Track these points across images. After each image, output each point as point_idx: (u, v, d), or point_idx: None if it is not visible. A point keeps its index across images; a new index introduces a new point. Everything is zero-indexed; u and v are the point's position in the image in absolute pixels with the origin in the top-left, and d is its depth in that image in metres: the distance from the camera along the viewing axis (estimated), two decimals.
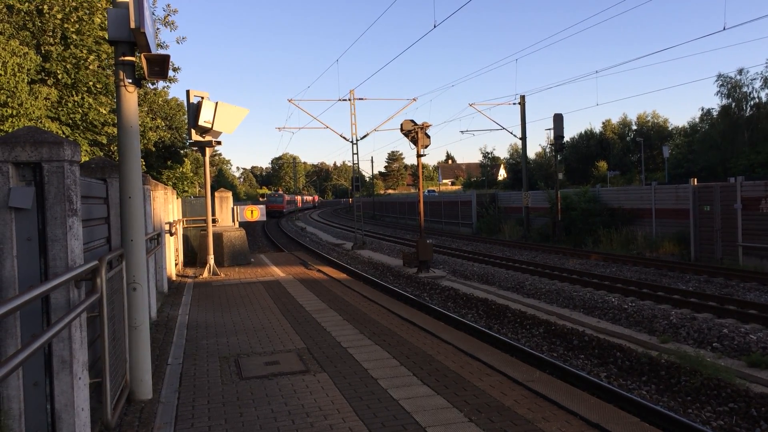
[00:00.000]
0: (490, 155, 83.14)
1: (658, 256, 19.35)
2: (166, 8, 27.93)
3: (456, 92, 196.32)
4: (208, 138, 13.48)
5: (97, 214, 5.66)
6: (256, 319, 8.89)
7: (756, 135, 41.56)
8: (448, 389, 5.35)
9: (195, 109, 13.06)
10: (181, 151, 25.41)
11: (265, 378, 5.86)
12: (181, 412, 4.97)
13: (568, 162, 57.83)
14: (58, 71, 14.19)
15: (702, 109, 64.35)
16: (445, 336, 7.76)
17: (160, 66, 5.29)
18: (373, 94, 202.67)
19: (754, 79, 43.94)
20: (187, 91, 13.22)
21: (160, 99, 23.40)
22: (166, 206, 11.90)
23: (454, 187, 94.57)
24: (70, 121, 14.55)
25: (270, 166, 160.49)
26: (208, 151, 13.81)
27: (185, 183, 27.20)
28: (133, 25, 4.88)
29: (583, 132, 64.35)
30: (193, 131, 13.32)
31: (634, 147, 58.14)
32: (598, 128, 63.40)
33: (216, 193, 17.67)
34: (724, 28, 26.14)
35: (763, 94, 43.85)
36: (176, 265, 14.81)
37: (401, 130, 17.34)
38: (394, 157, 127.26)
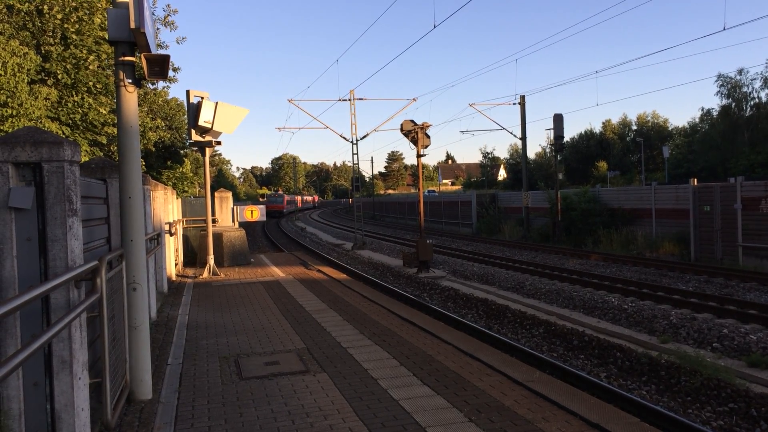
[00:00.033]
0: (490, 155, 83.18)
1: (658, 257, 19.35)
2: (166, 8, 27.96)
3: (456, 92, 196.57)
4: (208, 138, 13.48)
5: (97, 214, 5.66)
6: (256, 319, 8.89)
7: (756, 135, 41.56)
8: (448, 389, 5.35)
9: (195, 109, 13.06)
10: (181, 151, 25.41)
11: (265, 378, 5.86)
12: (181, 413, 4.97)
13: (568, 162, 57.84)
14: (58, 71, 14.19)
15: (702, 109, 64.42)
16: (445, 336, 7.76)
17: (160, 66, 5.29)
18: (373, 94, 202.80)
19: (754, 79, 44.03)
20: (187, 91, 13.23)
21: (160, 99, 23.41)
22: (166, 206, 11.90)
23: (454, 188, 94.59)
24: (70, 121, 14.55)
25: (270, 166, 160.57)
26: (208, 151, 13.81)
27: (185, 183, 27.20)
28: (133, 25, 4.88)
29: (583, 132, 64.44)
30: (193, 131, 13.32)
31: (634, 147, 58.16)
32: (598, 128, 63.50)
33: (216, 194, 17.68)
34: (724, 28, 26.17)
35: (763, 94, 43.93)
36: (176, 265, 14.81)
37: (401, 130, 17.34)
38: (394, 158, 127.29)
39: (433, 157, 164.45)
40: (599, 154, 58.65)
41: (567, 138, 44.74)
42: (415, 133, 17.03)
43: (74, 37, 14.36)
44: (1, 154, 3.69)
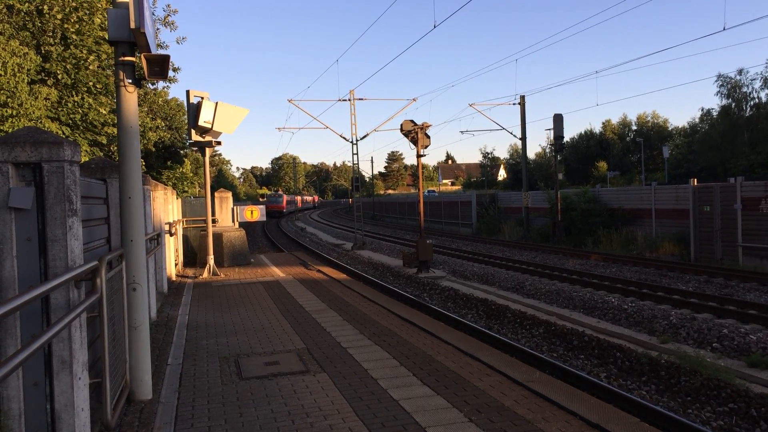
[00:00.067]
0: (490, 155, 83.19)
1: (658, 257, 19.35)
2: (166, 8, 27.93)
3: (456, 92, 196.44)
4: (208, 138, 13.48)
5: (97, 214, 5.66)
6: (256, 319, 8.89)
7: (756, 135, 41.55)
8: (448, 389, 5.35)
9: (195, 110, 13.07)
10: (181, 152, 25.41)
11: (265, 378, 5.86)
12: (181, 413, 4.97)
13: (568, 162, 57.84)
14: (58, 71, 14.19)
15: (702, 110, 64.36)
16: (445, 336, 7.76)
17: (160, 66, 5.30)
18: (373, 94, 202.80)
19: (754, 79, 44.01)
20: (187, 92, 13.23)
21: (160, 99, 23.40)
22: (165, 206, 11.90)
23: (454, 188, 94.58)
24: (70, 122, 14.55)
25: (270, 166, 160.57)
26: (208, 151, 13.81)
27: (185, 183, 27.20)
28: (133, 25, 4.88)
29: (583, 132, 64.40)
30: (193, 131, 13.33)
31: (634, 147, 58.15)
32: (598, 128, 63.47)
33: (216, 194, 17.68)
34: (724, 29, 26.20)
35: (763, 95, 43.92)
36: (176, 265, 14.82)
37: (401, 130, 17.34)
38: (394, 158, 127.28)
39: (433, 157, 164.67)
40: (599, 154, 58.65)
41: (567, 138, 44.74)
42: (415, 133, 17.03)
43: (74, 37, 14.35)
44: (1, 154, 3.69)
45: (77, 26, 14.40)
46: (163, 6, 39.92)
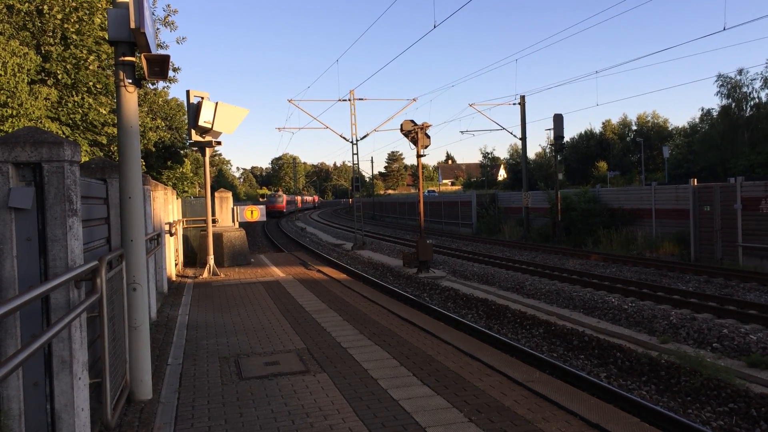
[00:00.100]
0: (490, 155, 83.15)
1: (658, 257, 19.35)
2: (166, 8, 27.94)
3: (456, 92, 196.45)
4: (208, 138, 13.48)
5: (97, 214, 5.66)
6: (256, 319, 8.89)
7: (756, 135, 41.54)
8: (448, 389, 5.35)
9: (195, 110, 13.07)
10: (181, 152, 25.41)
11: (265, 378, 5.86)
12: (181, 413, 4.97)
13: (568, 162, 57.83)
14: (58, 71, 14.19)
15: (702, 110, 64.33)
16: (445, 336, 7.76)
17: (160, 66, 5.30)
18: (373, 94, 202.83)
19: (754, 79, 43.99)
20: (187, 92, 13.23)
21: (160, 99, 23.40)
22: (166, 206, 11.90)
23: (454, 188, 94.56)
24: (70, 122, 14.55)
25: (270, 166, 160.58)
26: (208, 151, 13.81)
27: (185, 183, 27.20)
28: (133, 25, 4.88)
29: (583, 132, 64.40)
30: (193, 131, 13.33)
31: (634, 147, 58.14)
32: (598, 128, 63.44)
33: (216, 194, 17.68)
34: (724, 29, 26.20)
35: (763, 95, 43.88)
36: (176, 265, 14.82)
37: (401, 130, 17.35)
38: (394, 158, 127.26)
39: (433, 157, 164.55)
40: (599, 154, 58.64)
41: (567, 138, 44.76)
42: (415, 133, 17.03)
43: (74, 37, 14.35)
44: (1, 154, 3.69)
45: (77, 26, 14.40)
46: (163, 6, 39.94)
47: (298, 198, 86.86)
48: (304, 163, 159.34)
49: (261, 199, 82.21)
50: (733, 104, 44.27)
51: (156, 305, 9.47)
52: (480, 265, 19.04)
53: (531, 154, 68.28)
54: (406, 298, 13.33)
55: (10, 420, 3.54)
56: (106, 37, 9.23)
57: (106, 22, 5.46)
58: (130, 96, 5.23)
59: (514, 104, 31.57)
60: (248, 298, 10.90)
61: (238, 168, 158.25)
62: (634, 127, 61.91)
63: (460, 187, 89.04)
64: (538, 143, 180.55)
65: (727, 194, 17.48)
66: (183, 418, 4.85)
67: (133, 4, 4.85)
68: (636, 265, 17.78)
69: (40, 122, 12.75)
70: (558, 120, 26.87)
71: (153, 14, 10.51)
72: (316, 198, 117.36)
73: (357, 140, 29.52)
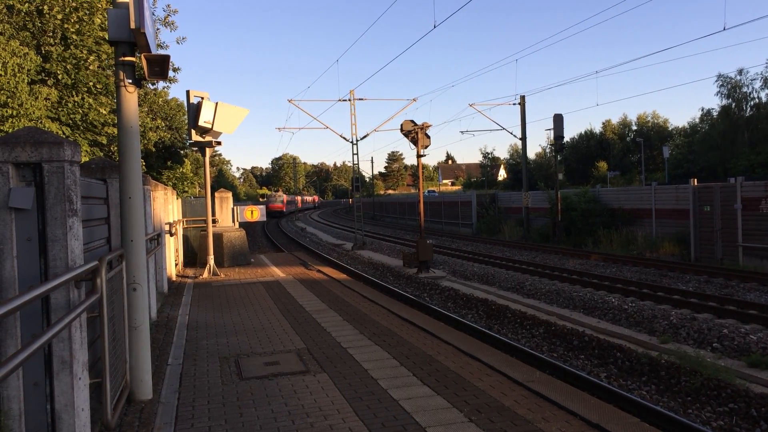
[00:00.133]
0: (490, 155, 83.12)
1: (658, 257, 19.35)
2: (166, 8, 27.89)
3: (456, 92, 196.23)
4: (208, 138, 13.49)
5: (97, 214, 5.66)
6: (256, 319, 8.89)
7: (756, 135, 41.53)
8: (448, 389, 5.35)
9: (195, 110, 13.07)
10: (181, 152, 25.40)
11: (265, 378, 5.86)
12: (181, 413, 4.97)
13: (568, 162, 57.85)
14: (58, 72, 14.19)
15: (702, 110, 64.32)
16: (445, 336, 7.76)
17: (160, 66, 5.30)
18: (373, 94, 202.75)
19: (754, 79, 43.96)
20: (187, 92, 13.24)
21: (160, 99, 23.40)
22: (166, 207, 11.90)
23: (454, 188, 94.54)
24: (70, 122, 14.54)
25: (270, 166, 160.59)
26: (208, 151, 13.81)
27: (185, 183, 27.19)
28: (133, 25, 4.88)
29: (583, 132, 64.37)
30: (193, 131, 13.33)
31: (634, 147, 58.12)
32: (598, 128, 63.43)
33: (216, 194, 17.68)
34: (724, 29, 26.21)
35: (763, 95, 43.87)
36: (176, 265, 14.82)
37: (401, 130, 17.35)
38: (394, 158, 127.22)
39: (433, 158, 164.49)
40: (599, 154, 58.63)
41: (567, 138, 44.74)
42: (415, 133, 17.03)
43: (74, 37, 14.35)
44: (1, 155, 3.69)
45: (77, 26, 14.40)
46: (163, 6, 39.88)
47: (298, 198, 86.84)
48: (304, 163, 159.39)
49: (261, 199, 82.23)
50: (733, 104, 44.26)
51: (156, 305, 9.47)
52: (480, 265, 19.04)
53: (531, 154, 68.34)
54: (406, 298, 13.33)
55: (10, 420, 3.54)
56: (106, 37, 9.23)
57: (106, 22, 5.47)
58: (130, 96, 5.23)
59: (514, 104, 31.60)
60: (248, 298, 10.90)
61: (238, 168, 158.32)
62: (634, 127, 61.90)
63: (460, 187, 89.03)
64: (538, 143, 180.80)
65: (727, 194, 17.48)
66: (183, 418, 4.85)
67: (133, 5, 4.85)
68: (636, 265, 17.78)
69: (41, 122, 12.75)
70: (558, 120, 26.87)
71: (153, 14, 10.50)
72: (316, 198, 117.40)
73: (357, 140, 29.53)
